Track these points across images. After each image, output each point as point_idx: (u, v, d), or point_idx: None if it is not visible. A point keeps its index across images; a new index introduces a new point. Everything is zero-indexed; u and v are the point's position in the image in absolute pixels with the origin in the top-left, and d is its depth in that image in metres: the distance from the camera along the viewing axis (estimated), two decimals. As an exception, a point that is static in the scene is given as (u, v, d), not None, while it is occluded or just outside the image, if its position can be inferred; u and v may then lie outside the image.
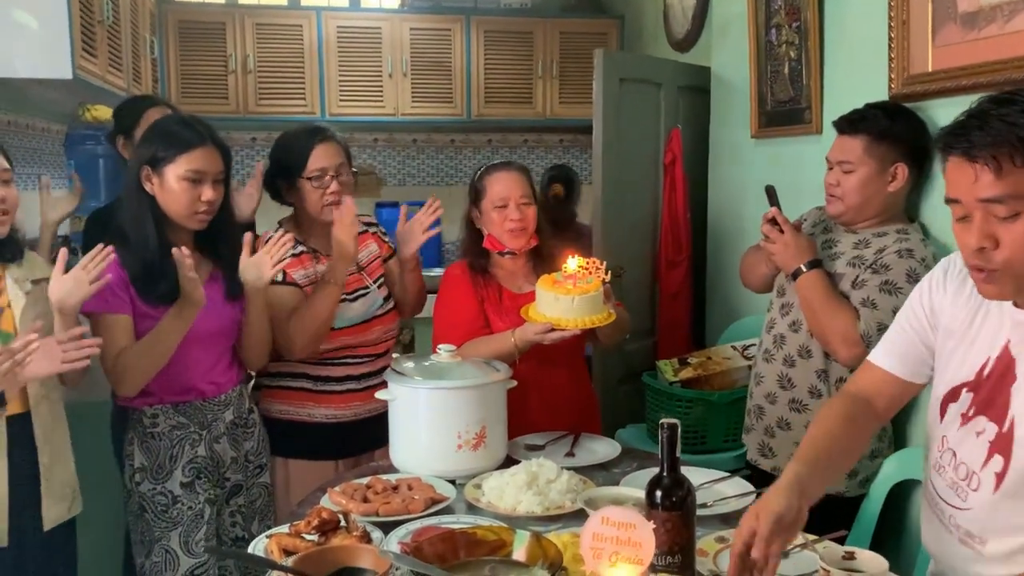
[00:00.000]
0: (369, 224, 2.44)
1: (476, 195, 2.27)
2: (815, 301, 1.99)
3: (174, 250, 1.84)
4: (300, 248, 2.22)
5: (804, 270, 2.01)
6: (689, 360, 2.75)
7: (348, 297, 2.21)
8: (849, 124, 2.03)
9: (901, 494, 2.03)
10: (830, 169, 2.08)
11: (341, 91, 4.42)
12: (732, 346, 2.80)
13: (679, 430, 1.28)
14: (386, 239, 2.43)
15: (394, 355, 2.13)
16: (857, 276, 2.00)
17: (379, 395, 1.92)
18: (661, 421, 1.27)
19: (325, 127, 2.27)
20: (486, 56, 4.56)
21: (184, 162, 1.91)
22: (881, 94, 2.19)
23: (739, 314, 3.09)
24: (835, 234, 2.13)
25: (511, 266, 2.29)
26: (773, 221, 2.07)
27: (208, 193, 1.93)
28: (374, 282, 2.31)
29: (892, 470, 2.01)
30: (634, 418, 3.06)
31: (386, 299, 2.32)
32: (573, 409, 2.27)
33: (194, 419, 2.01)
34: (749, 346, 2.78)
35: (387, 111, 4.52)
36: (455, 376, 1.88)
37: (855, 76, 2.43)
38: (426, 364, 1.94)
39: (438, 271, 3.22)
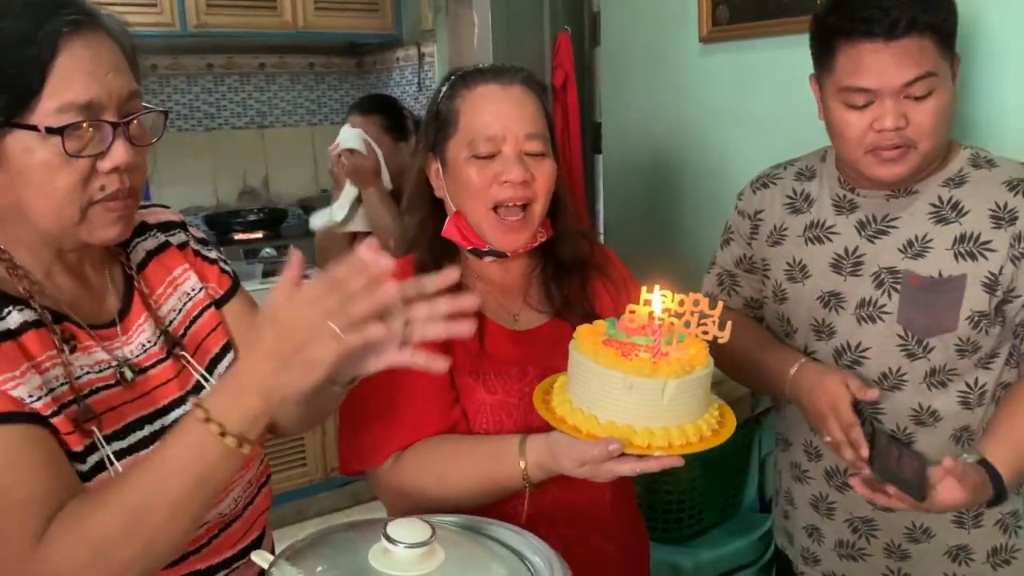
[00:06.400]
0: (193, 243, 1.05)
1: (440, 130, 1.10)
2: None
3: None
4: (24, 316, 0.84)
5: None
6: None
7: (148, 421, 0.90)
8: (922, 7, 1.10)
9: None
10: (863, 107, 1.14)
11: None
12: (714, 364, 1.87)
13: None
14: (227, 268, 1.06)
15: (254, 557, 0.81)
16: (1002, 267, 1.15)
17: None
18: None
19: None
20: (202, -64, 3.07)
21: None
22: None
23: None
24: (859, 210, 1.25)
25: (500, 276, 1.15)
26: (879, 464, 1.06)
27: None
28: (209, 370, 0.97)
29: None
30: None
31: None
32: (622, 556, 1.20)
33: None
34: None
35: (47, 19, 2.86)
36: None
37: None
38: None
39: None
